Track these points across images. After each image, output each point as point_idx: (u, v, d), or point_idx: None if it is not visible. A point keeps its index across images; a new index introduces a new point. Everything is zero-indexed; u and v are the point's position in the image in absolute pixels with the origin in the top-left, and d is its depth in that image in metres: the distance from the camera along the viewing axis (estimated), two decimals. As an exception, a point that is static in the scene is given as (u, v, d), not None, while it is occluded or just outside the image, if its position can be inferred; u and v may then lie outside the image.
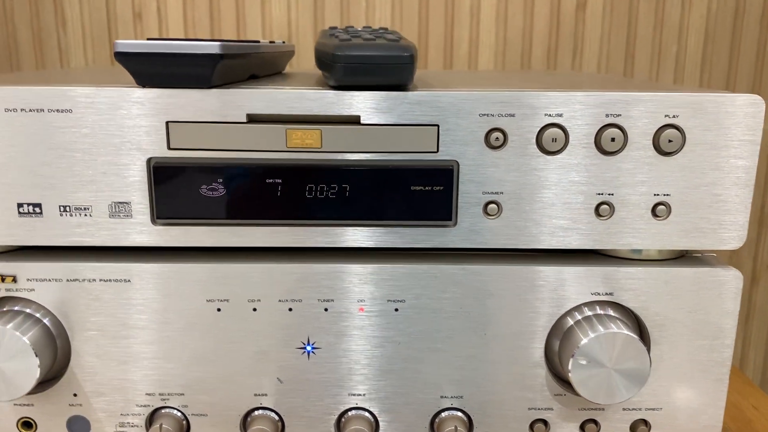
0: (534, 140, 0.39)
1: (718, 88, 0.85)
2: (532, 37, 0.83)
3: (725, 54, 0.86)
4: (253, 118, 0.38)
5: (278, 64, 0.56)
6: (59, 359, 0.42)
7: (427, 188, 0.39)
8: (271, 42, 0.53)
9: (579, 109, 0.38)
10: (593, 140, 0.39)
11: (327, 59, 0.38)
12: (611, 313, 0.41)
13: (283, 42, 0.58)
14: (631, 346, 0.39)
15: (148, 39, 0.39)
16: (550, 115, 0.38)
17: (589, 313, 0.41)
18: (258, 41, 0.48)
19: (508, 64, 0.84)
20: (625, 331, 0.39)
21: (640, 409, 0.43)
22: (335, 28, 0.53)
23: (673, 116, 0.38)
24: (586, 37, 0.84)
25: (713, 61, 0.87)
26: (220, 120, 0.38)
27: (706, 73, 0.89)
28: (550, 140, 0.39)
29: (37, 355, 0.39)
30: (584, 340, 0.39)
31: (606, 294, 0.41)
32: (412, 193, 0.39)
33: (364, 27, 0.53)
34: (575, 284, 0.41)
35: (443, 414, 0.43)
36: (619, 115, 0.38)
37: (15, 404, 0.42)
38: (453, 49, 0.87)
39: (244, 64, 0.42)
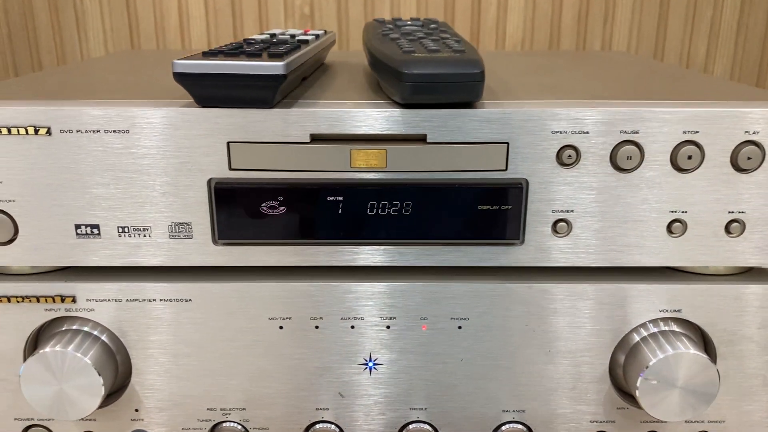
0: (608, 157, 0.37)
1: (753, 54, 0.83)
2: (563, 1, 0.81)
3: (762, 19, 0.83)
4: (316, 138, 0.37)
5: (323, 58, 0.54)
6: (120, 374, 0.41)
7: (494, 207, 0.38)
8: (315, 36, 0.51)
9: (656, 126, 0.37)
10: (669, 157, 0.37)
11: (391, 73, 0.37)
12: (677, 329, 0.41)
13: (325, 32, 0.56)
14: (701, 365, 0.39)
15: (204, 54, 0.37)
16: (625, 132, 0.37)
17: (654, 329, 0.41)
18: (307, 39, 0.46)
19: (537, 28, 0.82)
20: (694, 351, 0.39)
21: (702, 422, 0.43)
22: (382, 21, 0.51)
23: (753, 132, 0.37)
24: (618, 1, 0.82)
25: (749, 26, 0.84)
26: (282, 140, 0.37)
27: (741, 36, 0.86)
28: (625, 158, 0.37)
29: (99, 374, 0.39)
30: (653, 361, 0.38)
31: (673, 311, 0.40)
32: (478, 212, 0.38)
33: (412, 20, 0.51)
34: (642, 301, 0.40)
35: (504, 427, 0.42)
36: (697, 132, 0.37)
37: (78, 419, 0.42)
38: (480, 13, 0.85)
39: (300, 73, 0.41)
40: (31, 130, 0.36)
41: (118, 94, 0.40)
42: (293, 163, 0.37)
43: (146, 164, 0.37)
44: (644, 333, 0.41)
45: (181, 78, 0.35)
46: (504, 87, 0.43)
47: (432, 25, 0.49)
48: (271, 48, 0.39)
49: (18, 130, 0.36)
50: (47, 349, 0.38)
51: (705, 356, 0.39)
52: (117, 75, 0.49)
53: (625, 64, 0.57)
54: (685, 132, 0.37)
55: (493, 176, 0.38)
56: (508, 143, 0.37)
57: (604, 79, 0.48)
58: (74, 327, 0.40)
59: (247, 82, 0.35)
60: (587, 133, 0.37)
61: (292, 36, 0.50)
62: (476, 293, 0.40)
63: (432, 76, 0.35)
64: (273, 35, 0.51)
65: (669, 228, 0.39)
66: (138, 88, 0.43)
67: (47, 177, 0.37)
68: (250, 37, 0.48)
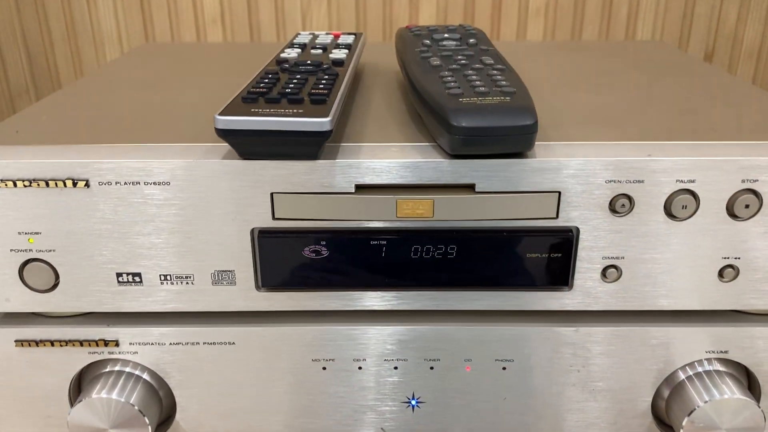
0: (662, 206, 0.36)
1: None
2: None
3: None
4: (361, 187, 0.36)
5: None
6: (165, 406, 0.42)
7: (543, 255, 0.37)
8: (347, 48, 0.49)
9: (713, 175, 0.35)
10: (725, 206, 0.36)
11: (437, 119, 0.35)
12: (722, 368, 0.40)
13: (354, 36, 0.54)
14: (746, 409, 0.39)
15: (244, 100, 0.36)
16: (682, 181, 0.36)
17: (700, 369, 0.40)
18: (342, 59, 0.44)
19: (559, 9, 0.79)
20: (740, 396, 0.38)
21: (743, 454, 0.43)
22: (417, 34, 0.49)
23: (815, 180, 0.36)
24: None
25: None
26: (327, 191, 0.36)
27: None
28: (680, 207, 0.36)
29: (145, 415, 0.39)
30: (698, 406, 0.38)
31: (720, 352, 0.40)
32: (527, 259, 0.37)
33: (449, 32, 0.49)
34: (689, 343, 0.40)
35: (545, 459, 0.43)
36: (756, 181, 0.35)
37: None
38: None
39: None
40: (69, 183, 0.35)
41: (152, 132, 0.39)
42: (338, 213, 0.36)
43: (188, 215, 0.36)
44: (690, 372, 0.40)
45: (223, 134, 0.34)
46: (550, 114, 0.41)
47: (471, 40, 0.47)
48: (312, 90, 0.37)
49: (56, 183, 0.35)
50: (94, 396, 0.39)
51: (751, 400, 0.38)
52: (143, 94, 0.47)
53: (665, 68, 0.55)
54: (744, 181, 0.35)
55: (543, 224, 0.37)
56: (560, 192, 0.36)
57: (654, 99, 0.46)
58: (117, 368, 0.41)
59: (292, 140, 0.34)
60: (642, 182, 0.36)
61: (324, 49, 0.48)
62: (522, 336, 0.40)
63: (483, 130, 0.34)
64: (303, 46, 0.49)
65: (720, 273, 0.38)
66: (170, 117, 0.42)
67: (86, 227, 0.36)
68: (282, 56, 0.46)
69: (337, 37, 0.54)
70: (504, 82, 0.38)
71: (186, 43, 0.72)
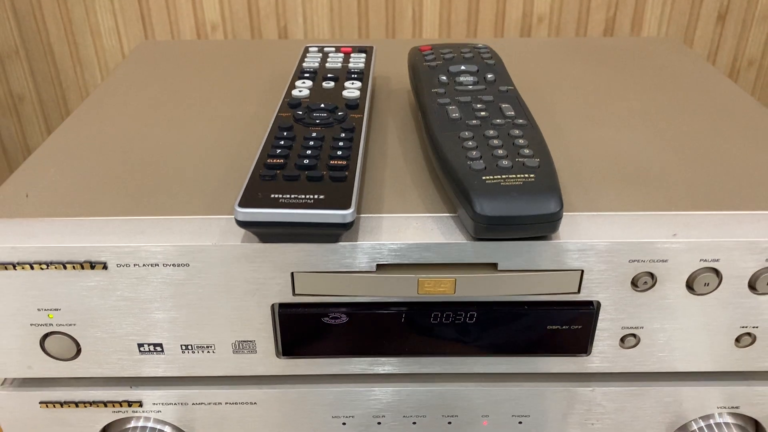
0: (684, 282, 0.36)
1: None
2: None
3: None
4: (382, 266, 0.36)
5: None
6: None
7: (564, 327, 0.37)
8: (359, 75, 0.47)
9: (737, 255, 0.35)
10: (747, 282, 0.36)
11: (458, 196, 0.35)
12: (732, 421, 0.41)
13: (364, 52, 0.52)
14: (755, 464, 0.40)
15: (262, 178, 0.35)
16: (705, 261, 0.35)
17: (711, 422, 0.41)
18: (356, 101, 0.43)
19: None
20: (751, 452, 0.40)
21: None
22: (432, 66, 0.47)
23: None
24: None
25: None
26: (347, 270, 0.35)
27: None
28: (703, 284, 0.36)
29: (170, 468, 0.41)
30: (710, 461, 0.40)
31: (731, 407, 0.41)
32: (547, 331, 0.38)
33: (465, 60, 0.47)
34: (701, 400, 0.41)
35: (556, 496, 0.45)
36: (780, 259, 0.35)
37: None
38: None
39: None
40: (87, 266, 0.35)
41: (168, 194, 0.38)
42: (358, 290, 0.36)
43: (207, 293, 0.36)
44: (702, 423, 0.41)
45: (244, 225, 0.33)
46: (568, 162, 0.40)
47: (488, 75, 0.45)
48: (330, 160, 0.36)
49: (74, 266, 0.35)
50: (121, 457, 0.40)
51: (760, 457, 0.40)
52: (153, 132, 0.46)
53: (683, 88, 0.53)
54: (767, 260, 0.35)
55: (565, 298, 0.37)
56: (582, 271, 0.36)
57: (676, 144, 0.45)
58: (140, 425, 0.41)
59: (313, 230, 0.33)
60: (666, 261, 0.35)
61: (335, 79, 0.47)
62: (538, 395, 0.40)
63: (508, 219, 0.33)
64: (314, 75, 0.48)
65: (737, 340, 0.38)
66: (186, 167, 0.41)
67: (106, 304, 0.36)
68: (294, 93, 0.44)
69: (347, 55, 0.52)
70: (527, 151, 0.37)
71: (186, 42, 0.69)
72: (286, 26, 0.95)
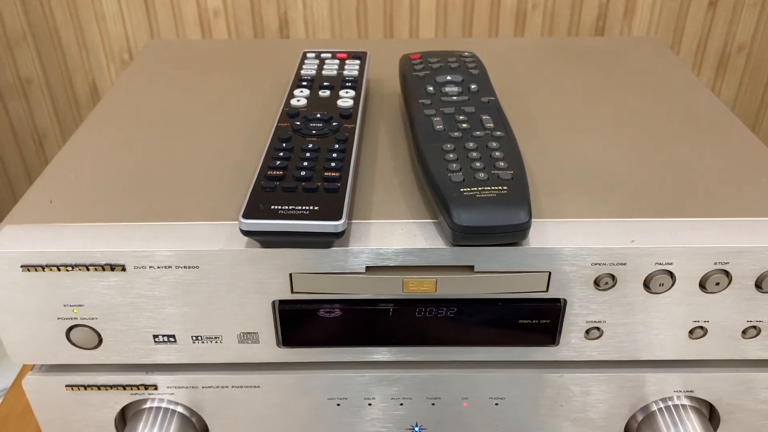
0: (642, 282, 0.40)
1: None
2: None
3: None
4: (371, 268, 0.40)
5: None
6: (199, 429, 0.48)
7: (534, 321, 0.42)
8: (353, 83, 0.51)
9: (689, 258, 0.39)
10: (698, 282, 0.40)
11: (439, 205, 0.39)
12: (688, 403, 0.46)
13: (359, 58, 0.56)
14: (706, 441, 0.45)
15: (263, 189, 0.39)
16: (660, 264, 0.39)
17: (669, 403, 0.46)
18: (350, 112, 0.47)
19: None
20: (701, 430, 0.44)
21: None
22: (421, 76, 0.50)
23: (779, 263, 0.39)
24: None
25: None
26: (340, 271, 0.40)
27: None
28: (658, 284, 0.40)
29: (183, 448, 0.45)
30: (665, 438, 0.45)
31: (687, 391, 0.45)
32: (519, 325, 0.42)
33: (448, 60, 0.51)
34: (659, 384, 0.45)
35: (530, 469, 0.50)
36: (727, 263, 0.39)
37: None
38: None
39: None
40: (107, 268, 0.39)
41: (181, 199, 0.42)
42: (349, 289, 0.40)
43: (215, 291, 0.40)
44: (661, 405, 0.46)
45: (247, 234, 0.37)
46: (542, 168, 0.45)
47: (472, 86, 0.49)
48: (324, 172, 0.40)
49: (95, 268, 0.39)
50: (138, 433, 0.45)
51: (710, 434, 0.44)
52: (164, 143, 0.50)
53: (660, 94, 0.57)
54: (716, 263, 0.39)
55: (535, 296, 0.41)
56: (550, 272, 0.40)
57: (642, 151, 0.48)
58: (155, 405, 0.46)
59: (309, 238, 0.37)
60: (624, 264, 0.39)
61: (331, 88, 0.50)
62: (513, 380, 0.45)
63: (481, 229, 0.37)
64: (311, 82, 0.51)
65: (690, 333, 0.42)
66: (197, 171, 0.45)
67: (124, 300, 0.41)
68: (292, 103, 0.48)
69: (343, 61, 0.55)
70: (502, 164, 0.40)
71: (193, 42, 0.72)
72: (287, 12, 0.98)
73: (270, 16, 0.98)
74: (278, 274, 0.40)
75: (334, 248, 0.39)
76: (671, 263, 0.39)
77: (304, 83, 0.51)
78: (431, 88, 0.49)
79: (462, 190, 0.39)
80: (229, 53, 0.65)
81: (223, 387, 0.45)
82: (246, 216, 0.37)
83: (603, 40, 0.69)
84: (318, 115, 0.46)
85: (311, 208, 0.38)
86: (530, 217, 0.37)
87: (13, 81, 1.04)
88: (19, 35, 1.01)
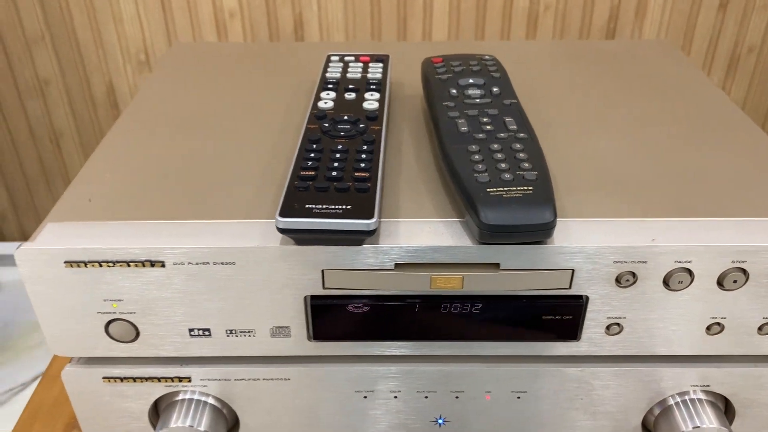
0: (661, 280, 0.42)
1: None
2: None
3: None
4: (400, 265, 0.41)
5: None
6: (229, 420, 0.49)
7: (557, 317, 0.43)
8: (377, 88, 0.52)
9: (707, 257, 0.41)
10: (716, 280, 0.42)
11: (466, 204, 0.40)
12: (704, 397, 0.47)
13: (382, 61, 0.57)
14: (722, 434, 0.46)
15: (297, 189, 0.40)
16: (679, 262, 0.41)
17: (686, 397, 0.47)
18: (375, 114, 0.48)
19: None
20: (717, 426, 0.46)
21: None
22: (443, 80, 0.52)
23: (795, 261, 0.41)
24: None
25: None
26: (370, 268, 0.41)
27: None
28: (677, 282, 0.41)
29: (214, 434, 0.47)
30: (683, 430, 0.46)
31: (703, 385, 0.47)
32: (542, 320, 0.43)
33: (470, 63, 0.52)
34: (676, 379, 0.46)
35: (549, 461, 0.51)
36: (744, 261, 0.41)
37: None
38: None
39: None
40: (147, 264, 0.41)
41: (218, 197, 0.43)
42: (379, 285, 0.42)
43: (250, 286, 0.42)
44: (678, 399, 0.47)
45: (283, 232, 0.39)
46: (563, 171, 0.46)
47: (494, 89, 0.50)
48: (354, 172, 0.42)
49: (136, 264, 0.41)
50: (171, 426, 0.46)
51: (726, 429, 0.46)
52: (193, 143, 0.51)
53: (674, 96, 0.58)
54: (734, 261, 0.41)
55: (558, 293, 0.42)
56: (573, 270, 0.41)
57: (660, 153, 0.50)
58: (187, 397, 0.48)
59: (342, 236, 0.39)
60: (645, 262, 0.41)
61: (356, 91, 0.52)
62: (534, 374, 0.46)
63: (508, 227, 0.39)
64: (336, 85, 0.53)
65: (708, 329, 0.44)
66: (230, 173, 0.46)
67: (162, 295, 0.42)
68: (320, 105, 0.50)
69: (366, 64, 0.57)
70: (526, 165, 0.42)
71: (213, 45, 0.74)
72: (301, 12, 0.99)
73: (285, 17, 0.99)
74: (311, 270, 0.41)
75: (364, 245, 0.40)
76: (690, 261, 0.41)
77: (330, 86, 0.53)
78: (454, 91, 0.50)
79: (489, 190, 0.40)
80: (249, 57, 0.67)
81: (254, 379, 0.47)
82: (282, 215, 0.38)
83: (615, 43, 0.71)
84: (345, 117, 0.48)
85: (344, 207, 0.39)
86: (555, 216, 0.39)
87: (31, 80, 1.06)
88: (37, 36, 1.02)
